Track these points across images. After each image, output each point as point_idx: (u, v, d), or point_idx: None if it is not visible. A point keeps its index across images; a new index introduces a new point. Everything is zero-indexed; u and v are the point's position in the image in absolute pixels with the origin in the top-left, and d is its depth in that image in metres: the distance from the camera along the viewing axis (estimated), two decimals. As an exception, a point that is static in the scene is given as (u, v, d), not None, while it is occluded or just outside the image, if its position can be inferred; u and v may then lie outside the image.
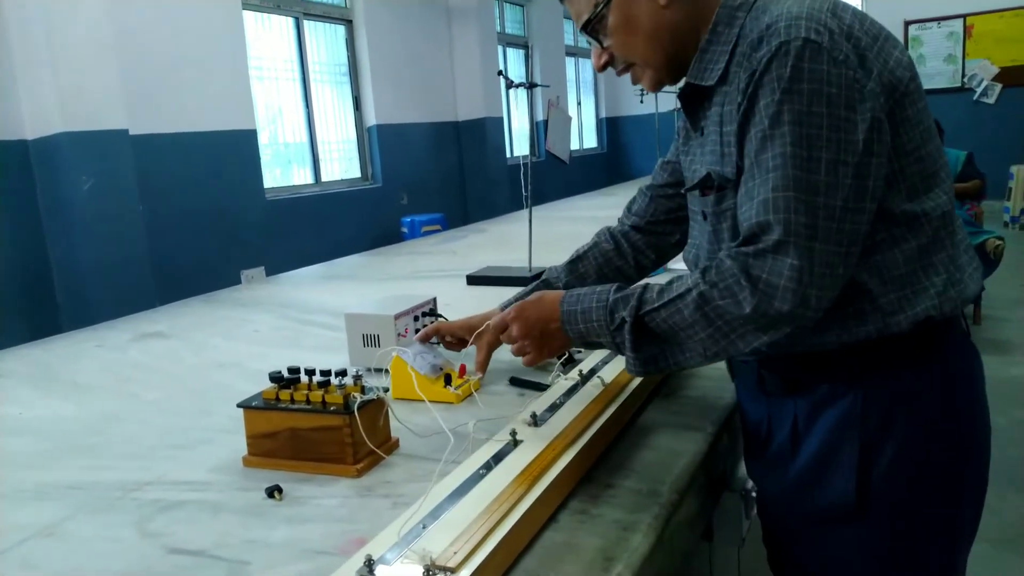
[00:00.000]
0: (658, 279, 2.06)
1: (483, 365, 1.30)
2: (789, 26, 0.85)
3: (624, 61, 1.05)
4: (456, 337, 1.37)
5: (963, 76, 8.69)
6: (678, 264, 2.18)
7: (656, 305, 0.93)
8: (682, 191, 1.11)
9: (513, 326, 1.09)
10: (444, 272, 2.49)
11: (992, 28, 8.53)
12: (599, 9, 1.01)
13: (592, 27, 1.03)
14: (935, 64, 8.74)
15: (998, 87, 8.57)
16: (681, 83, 1.03)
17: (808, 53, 0.84)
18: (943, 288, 0.91)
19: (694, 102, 1.03)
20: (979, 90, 8.64)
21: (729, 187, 0.96)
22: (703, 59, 0.98)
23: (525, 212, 2.36)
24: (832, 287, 0.86)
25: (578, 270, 1.36)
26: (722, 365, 1.36)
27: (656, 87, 1.06)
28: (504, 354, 1.46)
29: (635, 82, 1.07)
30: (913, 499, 0.95)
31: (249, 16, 5.57)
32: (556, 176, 9.25)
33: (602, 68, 1.07)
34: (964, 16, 8.61)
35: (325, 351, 1.64)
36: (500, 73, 2.42)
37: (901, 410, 0.93)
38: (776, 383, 1.01)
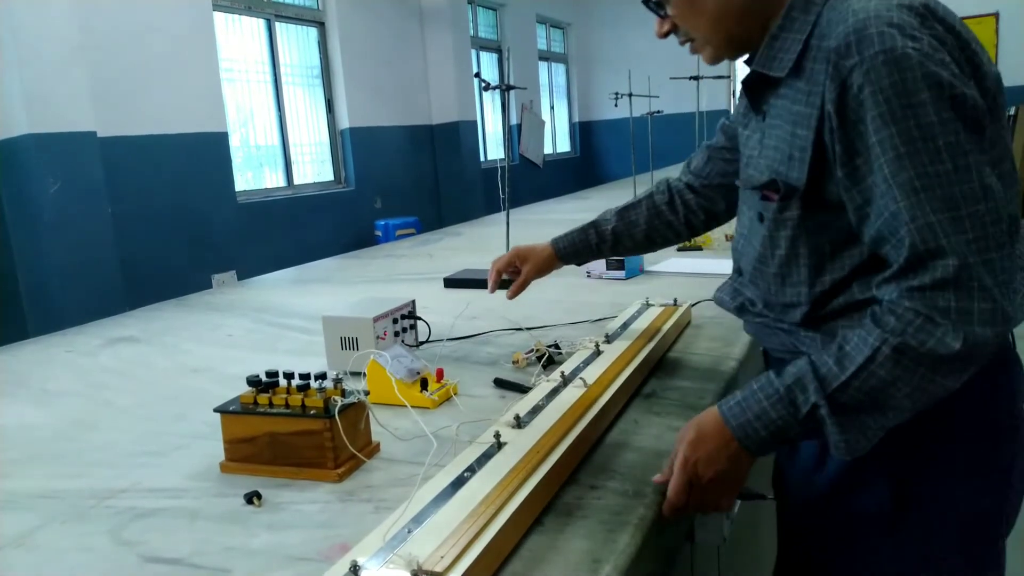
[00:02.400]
0: (635, 279, 2.07)
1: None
2: (882, 34, 0.80)
3: (685, 34, 1.02)
4: (512, 268, 1.45)
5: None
6: (657, 266, 2.20)
7: (845, 378, 0.83)
8: (735, 183, 1.08)
9: (691, 464, 0.91)
10: (421, 275, 2.48)
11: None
12: None
13: None
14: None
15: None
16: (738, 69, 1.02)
17: (907, 63, 0.79)
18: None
19: (758, 88, 0.99)
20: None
21: (795, 196, 0.91)
22: (773, 46, 0.93)
23: (500, 215, 2.36)
24: (1011, 282, 0.80)
25: (628, 217, 1.38)
26: (705, 363, 1.38)
27: (714, 62, 1.04)
28: (484, 356, 1.45)
29: (694, 52, 1.04)
30: (953, 508, 0.93)
31: (220, 17, 5.51)
32: (530, 179, 9.32)
33: (664, 36, 1.04)
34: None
35: (302, 355, 1.62)
36: (476, 75, 2.42)
37: (942, 419, 0.90)
38: None
